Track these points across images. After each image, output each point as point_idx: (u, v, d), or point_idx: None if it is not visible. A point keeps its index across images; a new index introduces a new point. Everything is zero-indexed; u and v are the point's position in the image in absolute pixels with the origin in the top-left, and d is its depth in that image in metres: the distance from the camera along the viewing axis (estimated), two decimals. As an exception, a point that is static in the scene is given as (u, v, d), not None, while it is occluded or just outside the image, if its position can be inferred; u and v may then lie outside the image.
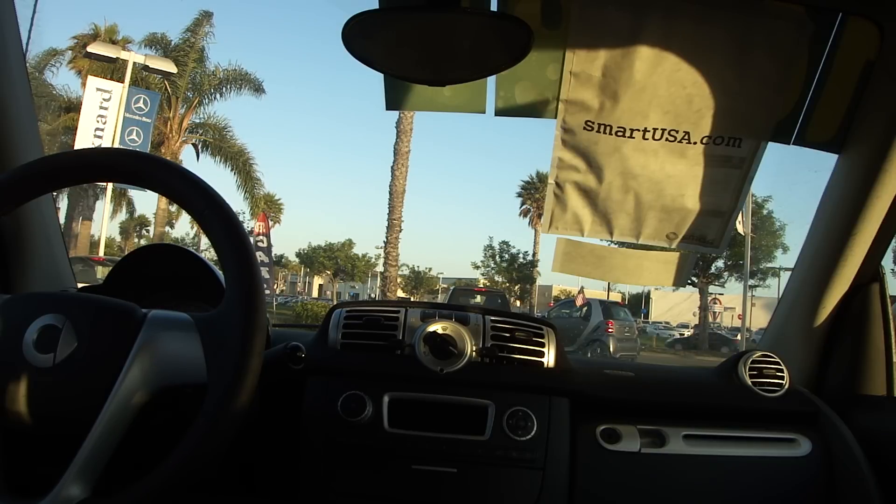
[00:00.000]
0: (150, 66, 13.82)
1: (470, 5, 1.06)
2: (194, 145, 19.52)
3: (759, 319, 21.65)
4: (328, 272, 42.23)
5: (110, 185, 12.49)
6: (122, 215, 28.13)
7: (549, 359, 1.04)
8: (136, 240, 34.57)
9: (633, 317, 17.66)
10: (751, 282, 19.73)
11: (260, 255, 14.49)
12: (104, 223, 14.60)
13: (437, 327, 1.00)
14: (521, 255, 29.37)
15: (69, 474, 0.63)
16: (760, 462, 1.03)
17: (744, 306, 16.17)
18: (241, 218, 0.83)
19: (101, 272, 8.29)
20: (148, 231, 33.44)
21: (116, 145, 11.91)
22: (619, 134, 1.13)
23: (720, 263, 21.95)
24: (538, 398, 0.98)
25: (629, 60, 1.08)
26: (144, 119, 13.33)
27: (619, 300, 23.36)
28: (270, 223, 18.60)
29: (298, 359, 0.81)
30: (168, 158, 2.59)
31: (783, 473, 1.03)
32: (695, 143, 1.13)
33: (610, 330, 11.78)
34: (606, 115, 1.13)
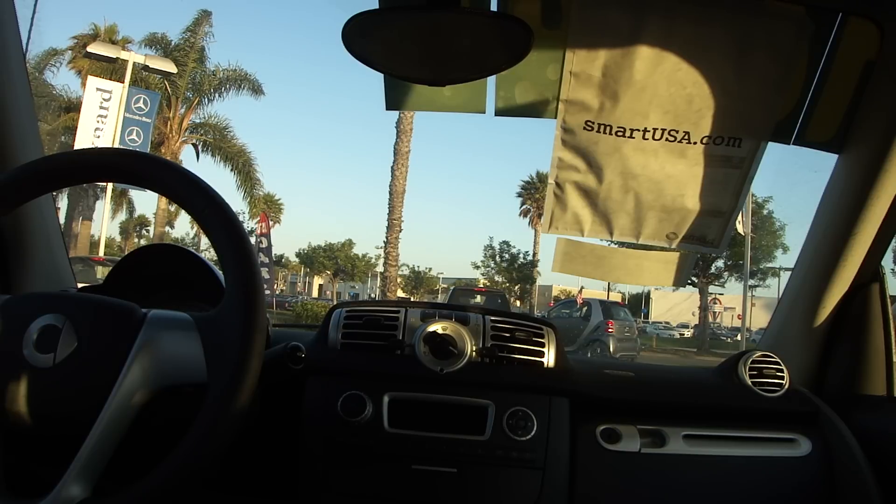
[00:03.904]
0: (150, 66, 13.82)
1: (470, 5, 1.06)
2: (194, 145, 19.52)
3: (759, 319, 21.67)
4: (328, 272, 42.23)
5: (110, 185, 12.49)
6: (122, 215, 28.22)
7: (549, 359, 1.04)
8: (136, 240, 34.59)
9: (633, 317, 17.65)
10: (751, 282, 19.77)
11: (260, 256, 14.50)
12: (104, 223, 14.62)
13: (437, 327, 1.00)
14: (521, 255, 29.42)
15: (69, 474, 0.63)
16: (760, 462, 1.03)
17: (744, 306, 16.16)
18: (241, 218, 0.83)
19: (101, 272, 8.28)
20: (148, 231, 33.48)
21: (116, 145, 11.91)
22: (619, 134, 1.13)
23: (720, 263, 21.99)
24: (538, 398, 0.98)
25: (629, 60, 1.08)
26: (144, 119, 13.32)
27: (619, 300, 23.34)
28: (270, 223, 18.59)
29: (298, 359, 0.81)
30: (168, 158, 2.59)
31: (783, 473, 1.03)
32: (695, 143, 1.13)
33: (610, 330, 11.76)
34: (606, 115, 1.13)
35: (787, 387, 1.09)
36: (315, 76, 77.20)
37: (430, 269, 40.34)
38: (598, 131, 1.14)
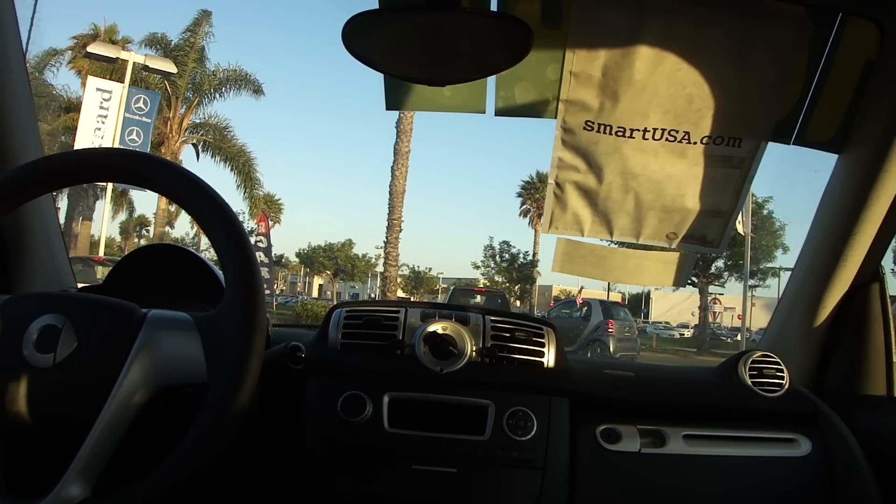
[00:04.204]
0: (150, 66, 13.81)
1: (470, 5, 1.06)
2: (194, 145, 19.52)
3: (759, 319, 21.67)
4: (328, 272, 42.25)
5: (110, 185, 12.49)
6: (122, 215, 28.21)
7: (549, 359, 1.04)
8: (136, 240, 34.59)
9: (633, 317, 17.64)
10: (751, 282, 19.77)
11: (260, 255, 14.50)
12: (104, 223, 14.62)
13: (437, 327, 1.00)
14: (521, 255, 29.41)
15: (69, 474, 0.63)
16: (760, 462, 1.03)
17: (744, 306, 16.16)
18: (241, 218, 0.83)
19: (101, 272, 8.28)
20: (148, 231, 33.48)
21: (116, 145, 11.91)
22: (619, 134, 1.13)
23: (720, 263, 21.98)
24: (538, 398, 0.98)
25: (629, 60, 1.08)
26: (144, 119, 13.32)
27: (619, 300, 23.34)
28: (270, 223, 18.59)
29: (298, 359, 0.81)
30: (168, 158, 2.59)
31: (783, 473, 1.03)
32: (695, 143, 1.13)
33: (610, 330, 11.76)
34: (606, 115, 1.13)
35: (787, 387, 1.09)
36: (315, 76, 77.39)
37: (430, 269, 40.45)
38: (598, 131, 1.14)
